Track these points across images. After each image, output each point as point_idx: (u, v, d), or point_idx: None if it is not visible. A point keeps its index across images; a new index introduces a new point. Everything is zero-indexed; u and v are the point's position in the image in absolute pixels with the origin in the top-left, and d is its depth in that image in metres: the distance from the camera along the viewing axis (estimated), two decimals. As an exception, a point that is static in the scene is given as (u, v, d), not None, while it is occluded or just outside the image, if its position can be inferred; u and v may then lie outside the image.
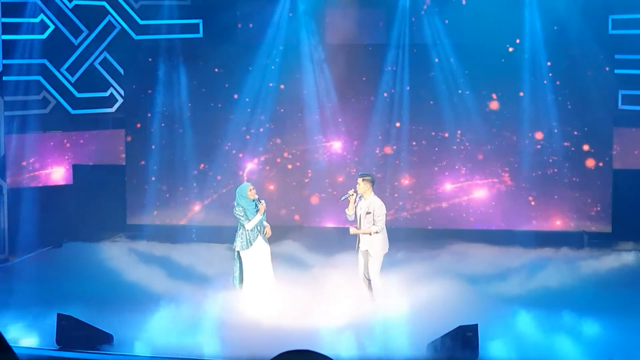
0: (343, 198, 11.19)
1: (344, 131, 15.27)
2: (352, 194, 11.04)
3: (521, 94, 14.78)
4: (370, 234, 10.93)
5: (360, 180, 11.01)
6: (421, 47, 14.93)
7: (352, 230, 11.11)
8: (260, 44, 15.15)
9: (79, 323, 9.67)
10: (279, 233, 13.58)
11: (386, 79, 15.06)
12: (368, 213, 10.93)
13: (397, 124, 15.11)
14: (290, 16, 15.03)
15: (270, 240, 11.36)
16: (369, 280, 11.10)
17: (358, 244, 11.12)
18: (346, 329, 10.18)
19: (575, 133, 14.74)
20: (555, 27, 14.61)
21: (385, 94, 15.07)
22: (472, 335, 9.14)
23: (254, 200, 11.09)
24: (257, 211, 11.04)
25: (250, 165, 15.25)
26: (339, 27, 15.00)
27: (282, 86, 15.21)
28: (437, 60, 14.84)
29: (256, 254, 11.07)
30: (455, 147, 15.06)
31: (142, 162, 15.53)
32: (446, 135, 15.07)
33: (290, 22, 15.06)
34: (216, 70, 15.34)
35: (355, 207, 11.08)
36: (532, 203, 14.95)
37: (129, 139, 15.60)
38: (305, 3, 14.97)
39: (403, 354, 9.48)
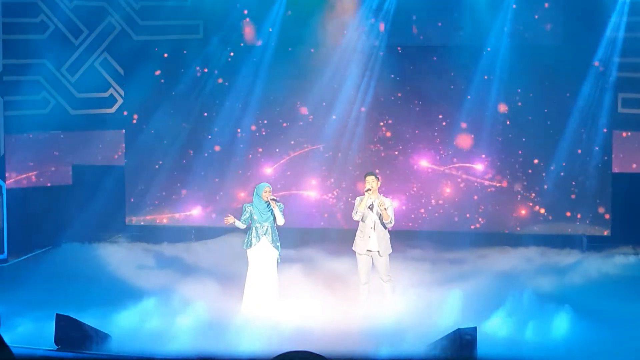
0: (368, 199, 10.99)
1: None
2: (370, 193, 10.94)
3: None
4: (389, 221, 10.88)
5: (373, 178, 10.93)
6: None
7: (381, 209, 10.83)
8: (261, 45, 15.17)
9: (78, 323, 9.66)
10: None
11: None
12: (386, 208, 10.87)
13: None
14: (289, 15, 15.03)
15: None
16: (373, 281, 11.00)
17: (365, 247, 10.95)
18: (344, 330, 10.21)
19: (575, 136, 14.72)
20: (555, 30, 14.62)
21: (381, 99, 15.12)
22: (471, 337, 9.13)
23: (266, 202, 11.07)
24: (269, 211, 11.03)
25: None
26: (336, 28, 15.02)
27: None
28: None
29: (257, 256, 11.06)
30: (453, 149, 15.07)
31: (142, 163, 15.52)
32: (450, 134, 15.09)
33: (290, 22, 15.06)
34: (216, 71, 15.34)
35: (368, 206, 10.95)
36: (531, 205, 14.93)
37: (128, 139, 15.59)
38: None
39: (402, 354, 9.47)
